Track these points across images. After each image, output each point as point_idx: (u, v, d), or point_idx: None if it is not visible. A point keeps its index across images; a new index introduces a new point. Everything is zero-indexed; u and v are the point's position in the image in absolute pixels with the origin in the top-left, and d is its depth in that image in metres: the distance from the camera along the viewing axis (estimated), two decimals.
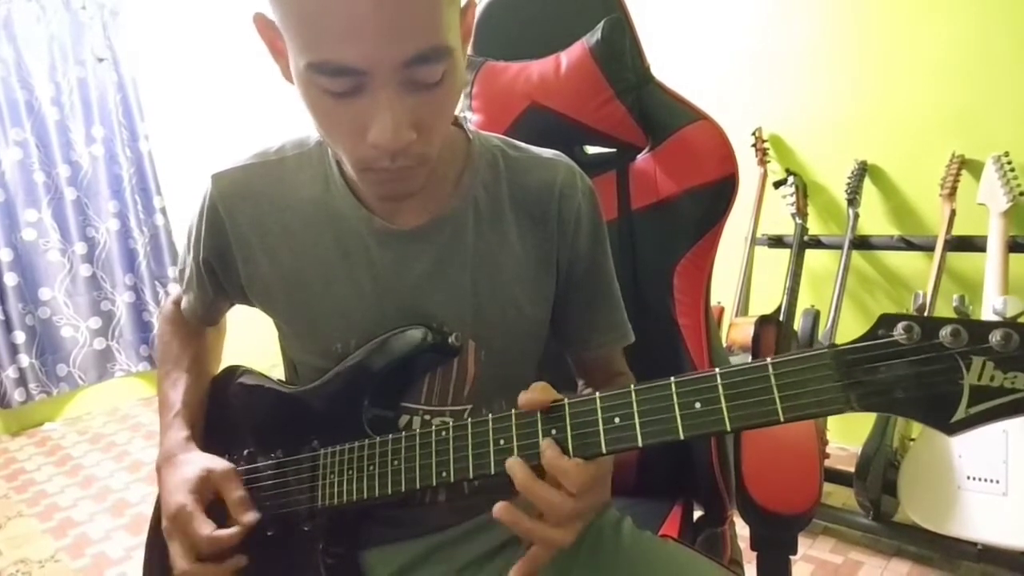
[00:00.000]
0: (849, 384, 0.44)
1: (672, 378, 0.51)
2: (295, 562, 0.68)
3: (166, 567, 0.69)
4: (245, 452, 0.74)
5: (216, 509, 0.67)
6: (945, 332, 0.42)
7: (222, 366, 0.85)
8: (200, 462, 0.70)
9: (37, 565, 1.92)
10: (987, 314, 1.49)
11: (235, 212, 0.70)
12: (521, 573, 0.57)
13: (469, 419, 0.59)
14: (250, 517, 0.66)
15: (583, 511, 0.55)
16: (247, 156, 0.72)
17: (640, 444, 0.51)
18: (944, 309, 1.69)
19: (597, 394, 0.53)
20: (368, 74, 0.51)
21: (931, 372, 0.42)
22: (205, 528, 0.64)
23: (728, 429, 0.48)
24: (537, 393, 0.55)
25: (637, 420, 0.51)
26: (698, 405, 0.49)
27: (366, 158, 0.56)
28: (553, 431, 0.54)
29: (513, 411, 0.57)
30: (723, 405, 0.48)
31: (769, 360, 0.47)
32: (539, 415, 0.55)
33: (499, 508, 0.54)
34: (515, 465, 0.55)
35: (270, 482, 0.71)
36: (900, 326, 0.43)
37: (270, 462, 0.72)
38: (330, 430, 0.69)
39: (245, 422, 0.77)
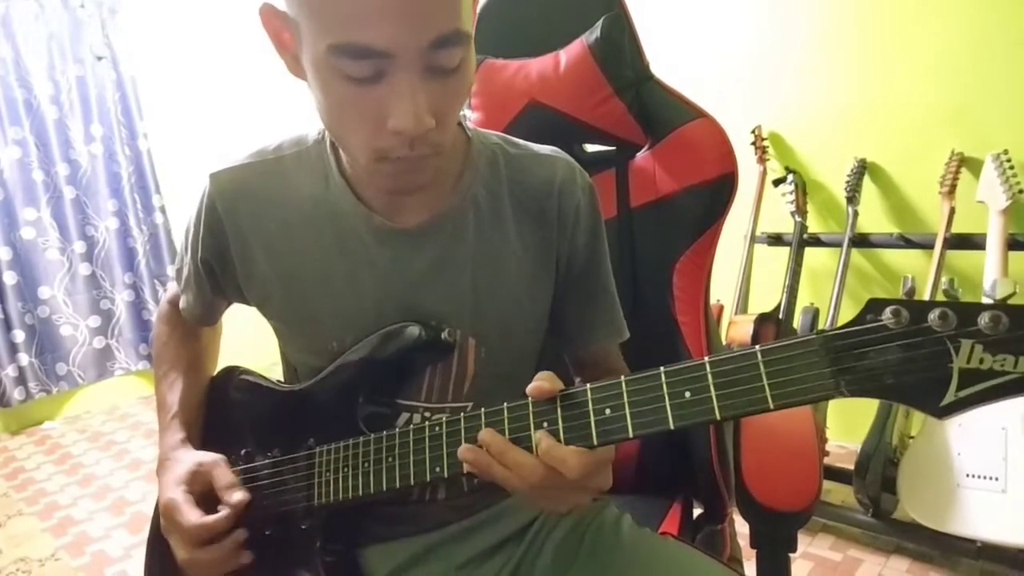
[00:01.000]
0: (838, 370, 0.44)
1: (662, 368, 0.51)
2: (293, 560, 0.68)
3: (166, 566, 0.69)
4: (242, 452, 0.74)
5: (211, 500, 0.67)
6: (933, 315, 0.42)
7: (220, 366, 0.85)
8: (190, 458, 0.70)
9: (37, 563, 1.92)
10: None
11: (233, 211, 0.70)
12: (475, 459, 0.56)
13: (463, 414, 0.59)
14: (238, 496, 0.66)
15: (580, 490, 0.55)
16: (245, 155, 0.72)
17: (631, 435, 0.51)
18: None
19: (588, 386, 0.53)
20: (391, 57, 0.51)
21: (920, 356, 0.42)
22: (192, 516, 0.65)
23: (718, 418, 0.48)
24: (546, 382, 0.55)
25: (628, 411, 0.51)
26: (688, 394, 0.49)
27: (384, 147, 0.56)
28: (545, 424, 0.54)
29: (505, 405, 0.57)
30: (712, 394, 0.48)
31: (758, 348, 0.47)
32: (530, 408, 0.55)
33: (463, 449, 0.56)
34: (486, 435, 0.55)
35: (267, 481, 0.71)
36: (888, 310, 0.43)
37: (267, 461, 0.72)
38: (326, 428, 0.69)
39: (242, 422, 0.77)
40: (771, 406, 0.46)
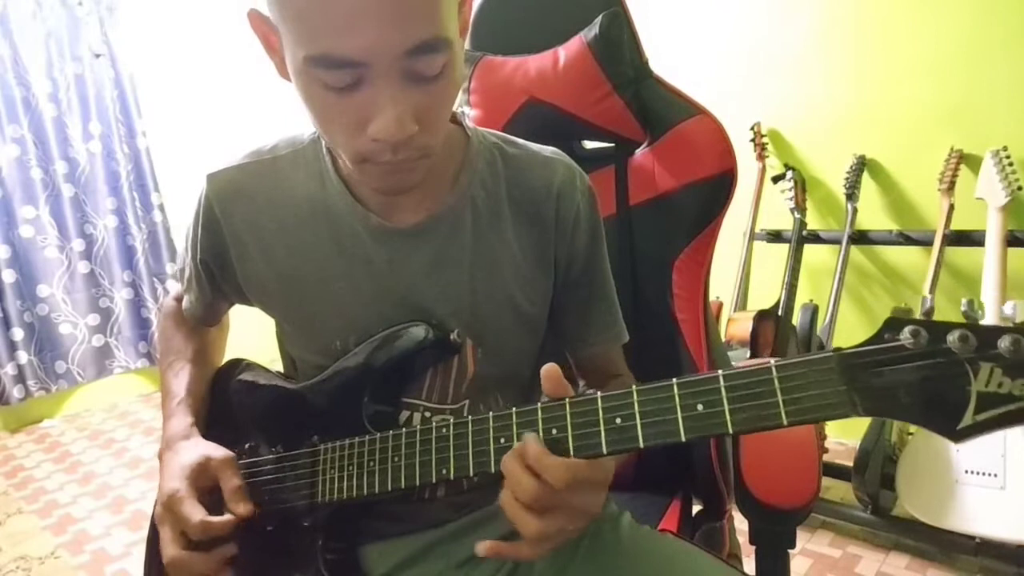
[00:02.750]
0: (854, 388, 0.43)
1: (674, 379, 0.50)
2: (294, 557, 0.68)
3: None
4: (246, 446, 0.74)
5: (213, 498, 0.67)
6: (953, 337, 0.41)
7: (225, 359, 0.85)
8: (200, 449, 0.69)
9: (37, 562, 1.93)
10: (987, 308, 1.49)
11: (230, 212, 0.70)
12: (492, 550, 0.54)
13: (470, 416, 0.59)
14: (244, 508, 0.66)
15: (567, 509, 0.52)
16: (241, 155, 0.72)
17: (641, 445, 0.50)
18: (943, 304, 1.70)
19: (599, 394, 0.53)
20: (369, 66, 0.51)
21: (938, 378, 0.41)
22: (196, 513, 0.64)
23: (730, 432, 0.47)
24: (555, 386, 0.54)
25: (639, 421, 0.51)
26: (700, 407, 0.48)
27: (366, 152, 0.56)
28: (554, 430, 0.54)
29: (514, 409, 0.56)
30: (725, 408, 0.47)
31: (773, 363, 0.46)
32: (540, 414, 0.55)
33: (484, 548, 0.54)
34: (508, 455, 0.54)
35: (270, 476, 0.71)
36: (907, 330, 0.42)
37: (270, 457, 0.72)
38: (330, 426, 0.69)
39: (246, 416, 0.77)
40: (785, 422, 0.45)
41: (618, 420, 0.51)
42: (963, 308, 1.46)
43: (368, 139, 0.54)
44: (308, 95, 0.55)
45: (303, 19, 0.50)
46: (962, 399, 0.41)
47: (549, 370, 0.54)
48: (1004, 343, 0.39)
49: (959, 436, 0.41)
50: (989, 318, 1.46)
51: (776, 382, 0.46)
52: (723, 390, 0.48)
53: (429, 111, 0.55)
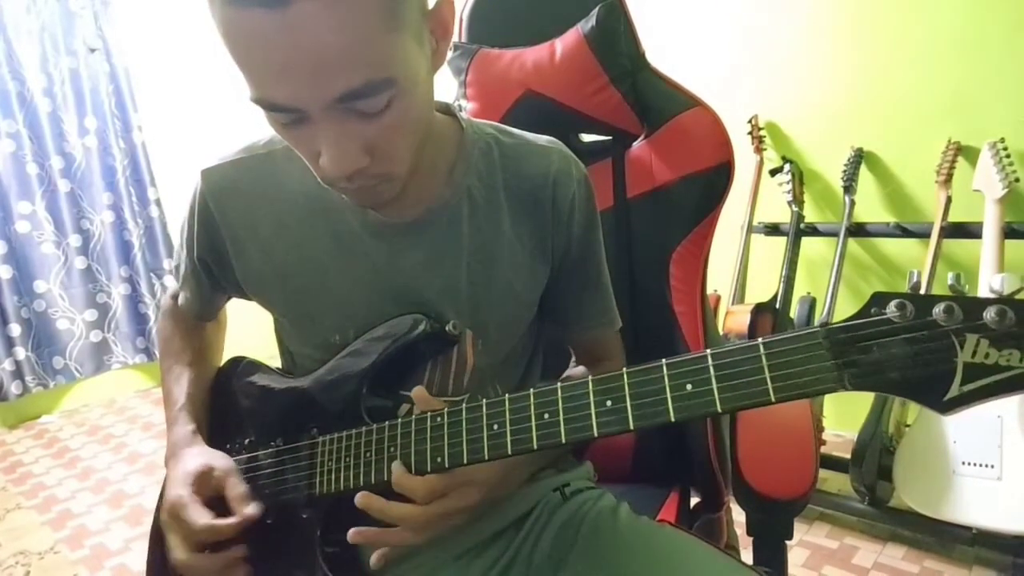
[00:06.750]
0: (841, 363, 0.44)
1: (663, 360, 0.51)
2: (293, 549, 0.69)
3: (168, 560, 0.70)
4: (246, 441, 0.74)
5: (216, 505, 0.67)
6: (939, 309, 0.41)
7: (225, 357, 0.85)
8: (202, 457, 0.70)
9: (36, 557, 1.93)
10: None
11: (226, 207, 0.70)
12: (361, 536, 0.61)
13: (464, 405, 0.59)
14: (251, 509, 0.66)
15: (438, 515, 0.59)
16: (235, 150, 0.71)
17: (632, 427, 0.51)
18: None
19: (589, 377, 0.53)
20: (303, 110, 0.51)
21: (924, 350, 0.42)
22: (201, 517, 0.64)
23: (719, 410, 0.47)
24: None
25: (629, 403, 0.51)
26: (689, 387, 0.49)
27: (325, 178, 0.57)
28: (546, 415, 0.54)
29: (507, 396, 0.57)
30: (714, 387, 0.48)
31: (761, 340, 0.47)
32: (532, 399, 0.55)
33: (352, 533, 0.60)
34: (365, 499, 0.59)
35: (269, 470, 0.71)
36: (893, 304, 0.42)
37: (270, 450, 0.72)
38: (330, 419, 0.69)
39: (247, 411, 0.77)
40: (772, 399, 0.45)
41: (608, 403, 0.52)
42: (950, 282, 1.47)
43: (323, 168, 0.55)
44: (270, 125, 0.56)
45: (239, 65, 0.51)
46: (948, 370, 0.41)
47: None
48: (990, 314, 0.39)
49: (946, 407, 0.41)
50: None
51: (764, 359, 0.46)
52: (711, 369, 0.48)
53: (380, 142, 0.54)
